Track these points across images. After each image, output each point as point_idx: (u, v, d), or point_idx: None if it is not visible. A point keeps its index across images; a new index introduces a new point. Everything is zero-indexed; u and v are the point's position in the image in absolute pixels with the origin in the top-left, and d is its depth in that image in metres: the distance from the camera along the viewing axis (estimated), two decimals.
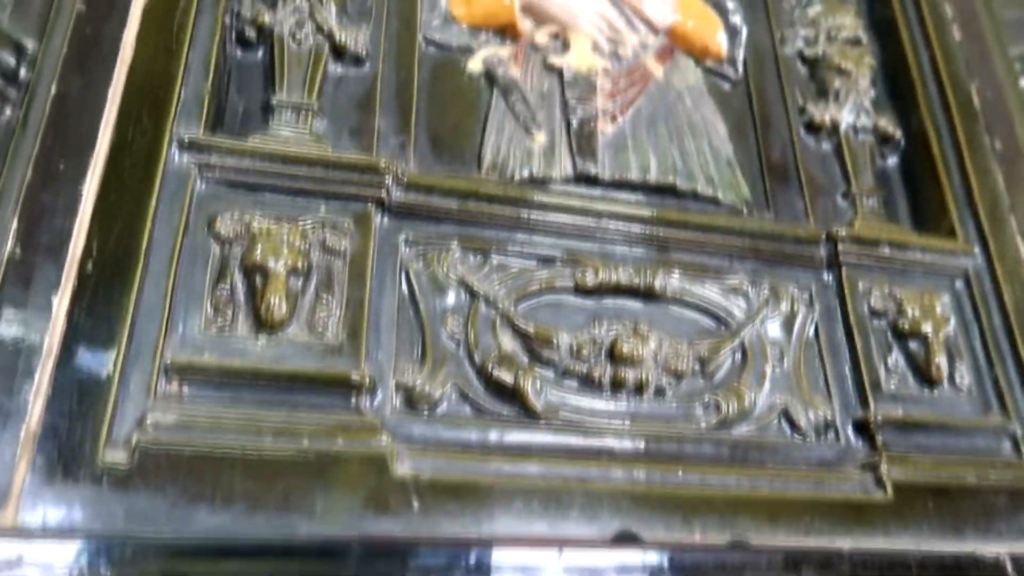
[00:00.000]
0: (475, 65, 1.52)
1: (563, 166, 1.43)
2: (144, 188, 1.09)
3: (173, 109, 1.17)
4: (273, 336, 1.10)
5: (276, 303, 1.10)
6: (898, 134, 1.66)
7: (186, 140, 1.16)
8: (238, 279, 1.12)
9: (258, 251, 1.12)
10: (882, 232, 1.48)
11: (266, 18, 1.36)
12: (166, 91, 1.18)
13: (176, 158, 1.15)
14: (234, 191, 1.18)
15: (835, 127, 1.63)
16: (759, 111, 1.64)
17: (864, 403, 1.33)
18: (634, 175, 1.45)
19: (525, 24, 1.56)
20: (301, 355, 1.10)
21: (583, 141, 1.46)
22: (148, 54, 1.20)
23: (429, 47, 1.51)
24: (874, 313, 1.41)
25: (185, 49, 1.22)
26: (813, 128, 1.64)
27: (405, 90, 1.44)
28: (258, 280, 1.11)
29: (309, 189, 1.21)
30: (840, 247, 1.43)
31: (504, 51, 1.54)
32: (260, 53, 1.37)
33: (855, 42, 1.72)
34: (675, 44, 1.65)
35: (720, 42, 1.67)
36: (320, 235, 1.18)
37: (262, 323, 1.10)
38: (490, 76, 1.51)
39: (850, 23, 1.74)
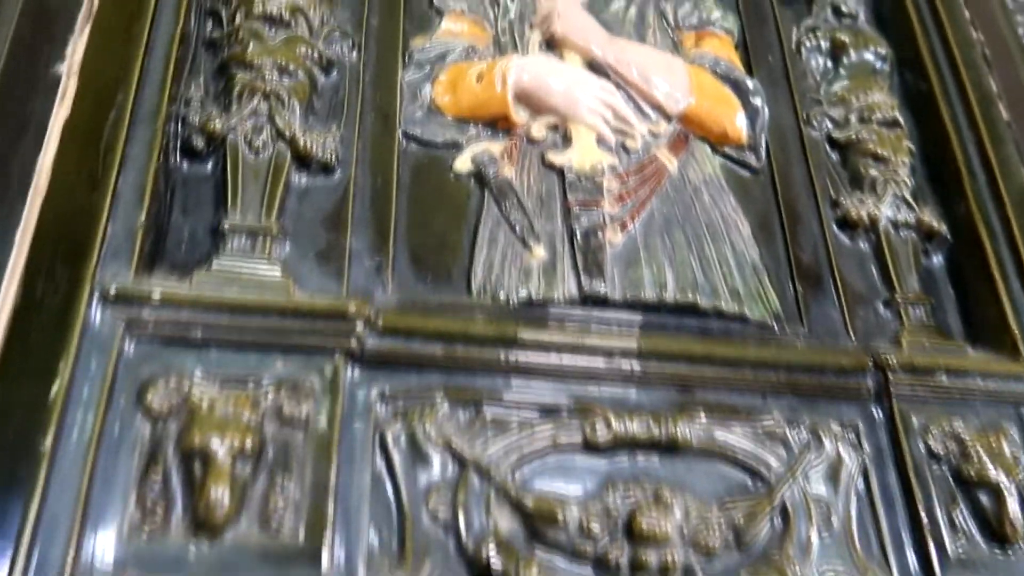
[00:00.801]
0: (463, 164, 1.33)
1: (567, 286, 1.23)
2: (53, 360, 0.89)
3: (96, 252, 0.96)
4: (216, 540, 0.89)
5: (219, 497, 0.89)
6: (943, 228, 1.47)
7: (111, 292, 0.95)
8: (173, 466, 0.91)
9: (197, 430, 0.91)
10: (937, 356, 1.27)
11: (217, 124, 1.16)
12: (87, 230, 0.97)
13: (98, 316, 0.94)
14: (171, 350, 0.97)
15: (873, 223, 1.43)
16: (786, 204, 1.45)
17: (928, 570, 1.13)
18: (648, 293, 1.25)
19: (520, 114, 1.36)
20: (251, 562, 0.89)
21: (589, 255, 1.26)
22: (68, 183, 1.00)
23: (410, 144, 1.32)
24: (933, 456, 1.20)
25: (114, 174, 1.02)
26: (848, 224, 1.44)
27: (382, 199, 1.24)
28: (197, 467, 0.91)
29: (264, 342, 1.00)
30: (890, 377, 1.23)
31: (496, 146, 1.35)
32: (210, 165, 1.17)
33: (891, 123, 1.53)
34: (690, 130, 1.45)
35: (740, 126, 1.48)
36: (276, 401, 0.97)
37: (201, 523, 0.89)
38: (480, 177, 1.32)
39: (883, 101, 1.55)
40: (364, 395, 1.04)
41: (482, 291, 1.20)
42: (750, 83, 1.50)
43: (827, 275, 1.39)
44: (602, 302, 1.23)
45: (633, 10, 1.54)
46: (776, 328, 1.30)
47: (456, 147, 1.34)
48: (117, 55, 1.11)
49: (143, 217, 1.02)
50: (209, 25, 1.27)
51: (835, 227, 1.44)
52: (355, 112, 1.29)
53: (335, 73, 1.31)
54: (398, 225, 1.23)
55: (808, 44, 1.63)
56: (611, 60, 1.43)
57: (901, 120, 1.54)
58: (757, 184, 1.47)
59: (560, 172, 1.33)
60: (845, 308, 1.35)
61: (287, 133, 1.18)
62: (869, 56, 1.61)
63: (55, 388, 0.86)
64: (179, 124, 1.16)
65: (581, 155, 1.35)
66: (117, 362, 0.93)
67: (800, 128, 1.53)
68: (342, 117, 1.26)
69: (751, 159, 1.48)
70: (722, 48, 1.57)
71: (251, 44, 1.21)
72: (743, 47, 1.62)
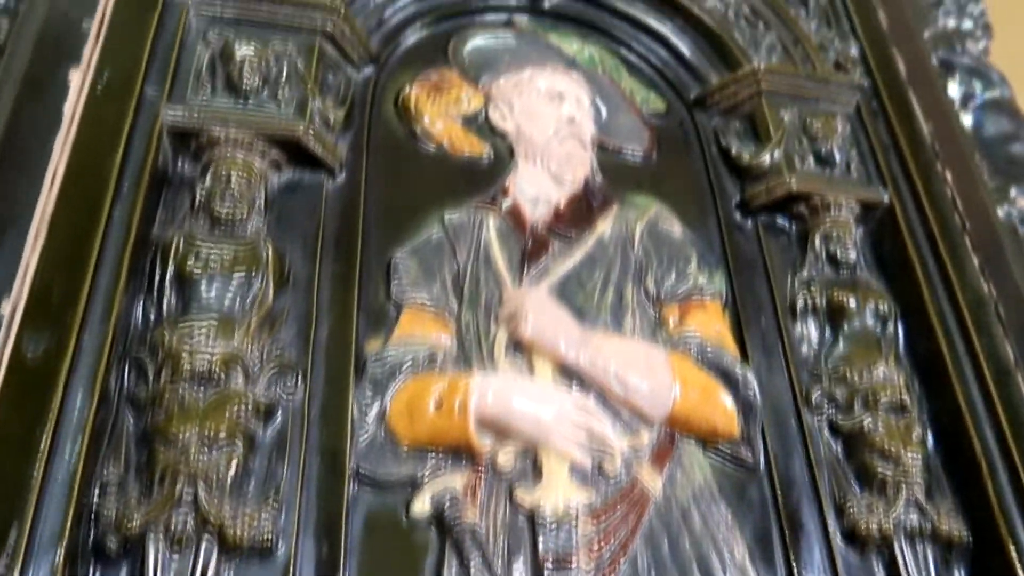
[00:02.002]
0: (421, 507, 1.19)
1: None
2: None
3: None
4: None
5: None
6: (964, 535, 1.31)
7: None
8: None
9: None
10: None
11: (135, 521, 1.02)
12: None
13: None
14: None
15: (885, 538, 1.28)
16: (786, 512, 1.30)
17: None
18: None
19: (483, 441, 1.22)
20: None
21: None
22: None
23: (362, 490, 1.18)
24: None
25: None
26: (856, 537, 1.29)
27: (327, 567, 1.10)
28: None
29: None
30: None
31: (459, 480, 1.21)
32: (124, 571, 1.03)
33: (899, 408, 1.38)
34: (676, 430, 1.32)
35: (731, 421, 1.33)
36: None
37: None
38: (441, 522, 1.18)
39: (889, 378, 1.39)
40: None
41: None
42: (740, 372, 1.36)
43: None
44: None
45: (611, 291, 1.41)
46: None
47: (413, 485, 1.20)
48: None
49: None
50: (133, 378, 1.14)
51: (842, 540, 1.29)
52: (298, 458, 1.15)
53: (278, 416, 1.18)
54: None
55: (803, 302, 1.50)
56: (585, 366, 1.29)
57: (909, 402, 1.39)
58: (754, 483, 1.33)
59: (530, 515, 1.19)
60: None
61: (214, 520, 1.04)
62: (871, 321, 1.47)
63: None
64: (91, 521, 1.03)
65: (553, 492, 1.20)
66: None
67: (799, 410, 1.39)
68: (282, 478, 1.13)
69: (746, 455, 1.33)
70: (709, 321, 1.43)
71: (175, 413, 1.08)
72: (732, 306, 1.49)
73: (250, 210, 1.29)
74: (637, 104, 1.71)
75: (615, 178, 1.60)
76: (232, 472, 1.08)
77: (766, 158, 1.59)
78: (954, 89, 1.85)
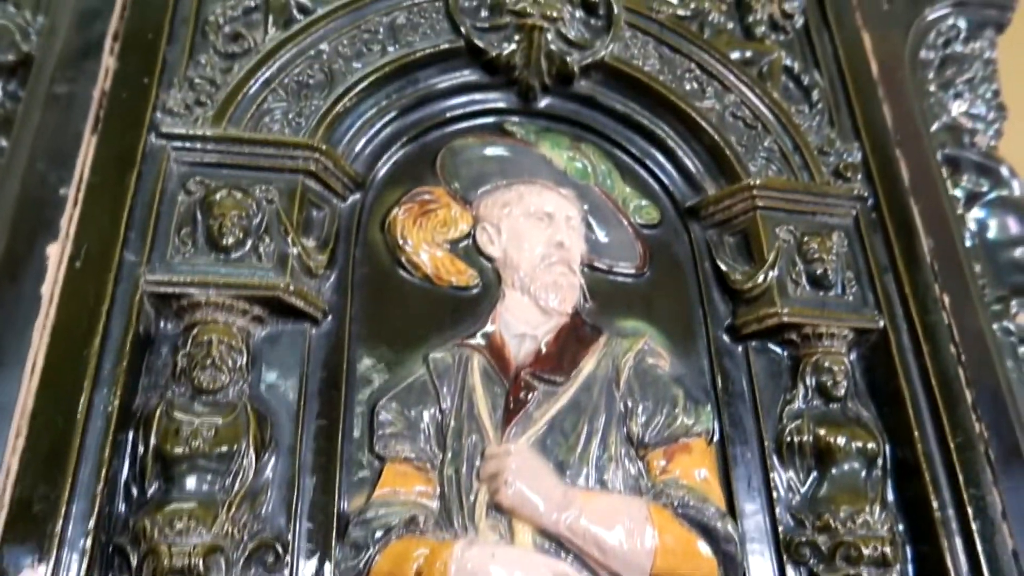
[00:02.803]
0: None
1: None
2: None
3: None
4: None
5: None
6: None
7: None
8: None
9: None
10: None
11: None
12: None
13: None
14: None
15: None
16: None
17: None
18: None
19: None
20: None
21: None
22: None
23: None
24: None
25: None
26: None
27: None
28: None
29: None
30: None
31: None
32: None
33: (881, 562, 1.37)
34: None
35: (713, 572, 1.34)
36: None
37: None
38: None
39: (874, 528, 1.39)
40: None
41: None
42: (722, 528, 1.36)
43: None
44: None
45: (594, 442, 1.40)
46: None
47: None
48: None
49: None
50: (117, 568, 1.17)
51: None
52: None
53: None
54: None
55: (790, 439, 1.48)
56: (564, 532, 1.30)
57: (892, 556, 1.38)
58: None
59: None
60: None
61: None
62: (857, 463, 1.46)
63: None
64: None
65: None
66: None
67: (782, 561, 1.39)
68: None
69: None
70: (694, 464, 1.43)
71: None
72: (720, 440, 1.48)
73: (232, 375, 1.30)
74: (630, 215, 1.68)
75: (605, 300, 1.58)
76: None
77: (758, 280, 1.56)
78: (960, 188, 1.79)
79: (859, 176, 1.69)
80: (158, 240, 1.33)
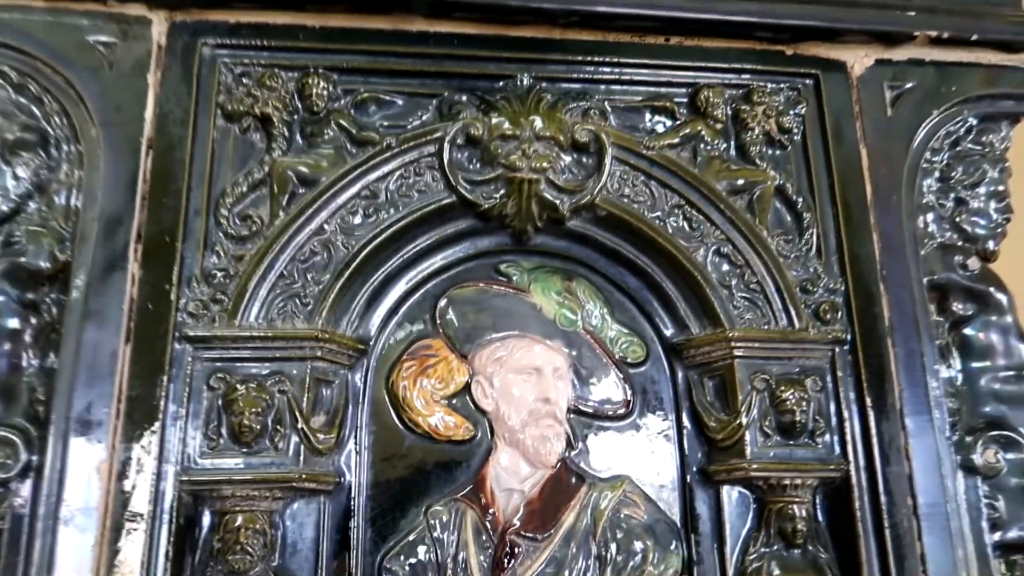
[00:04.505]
0: None
1: None
2: None
3: None
4: None
5: None
6: None
7: None
8: None
9: None
10: None
11: None
12: None
13: None
14: None
15: None
16: None
17: None
18: None
19: None
20: None
21: None
22: None
23: None
24: None
25: None
26: None
27: None
28: None
29: None
30: None
31: None
32: None
33: None
34: None
35: None
36: None
37: None
38: None
39: None
40: None
41: None
42: None
43: None
44: None
45: None
46: None
47: None
48: None
49: None
50: None
51: None
52: None
53: None
54: None
55: None
56: None
57: None
58: None
59: None
60: None
61: None
62: None
63: None
64: None
65: None
66: None
67: None
68: None
69: None
70: None
71: None
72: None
73: (258, 554, 1.54)
74: (616, 357, 1.81)
75: (590, 444, 1.75)
76: None
77: (730, 431, 1.70)
78: (947, 313, 1.83)
79: (840, 316, 1.76)
80: (188, 439, 1.55)
